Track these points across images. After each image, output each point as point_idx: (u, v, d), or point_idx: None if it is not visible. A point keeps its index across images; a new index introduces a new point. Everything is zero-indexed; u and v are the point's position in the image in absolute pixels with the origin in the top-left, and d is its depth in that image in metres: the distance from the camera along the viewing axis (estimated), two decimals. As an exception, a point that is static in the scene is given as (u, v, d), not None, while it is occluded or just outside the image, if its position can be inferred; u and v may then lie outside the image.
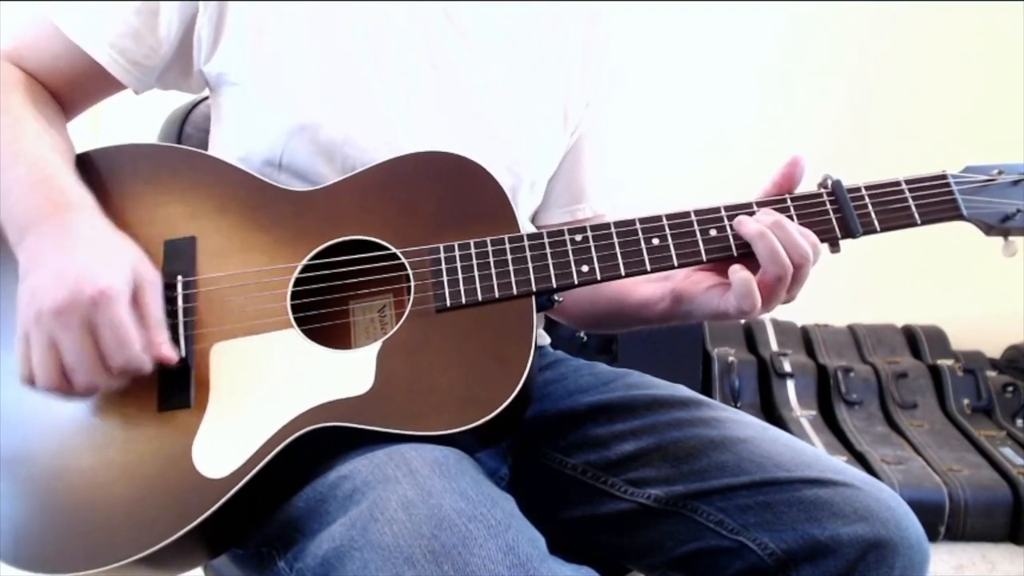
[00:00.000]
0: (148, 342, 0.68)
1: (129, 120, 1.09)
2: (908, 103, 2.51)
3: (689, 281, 0.83)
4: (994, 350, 2.45)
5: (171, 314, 0.73)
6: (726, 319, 0.81)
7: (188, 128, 1.08)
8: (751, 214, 0.78)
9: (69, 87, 0.83)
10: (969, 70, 2.48)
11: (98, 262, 0.67)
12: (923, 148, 2.02)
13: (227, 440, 0.70)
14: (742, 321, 2.48)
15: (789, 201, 0.79)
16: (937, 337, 2.45)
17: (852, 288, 2.23)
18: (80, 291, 0.65)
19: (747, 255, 0.77)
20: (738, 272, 0.75)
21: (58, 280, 0.66)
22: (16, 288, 0.70)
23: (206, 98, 1.07)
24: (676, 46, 2.54)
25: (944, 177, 0.80)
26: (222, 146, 0.88)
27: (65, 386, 0.67)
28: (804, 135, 2.41)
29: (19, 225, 0.71)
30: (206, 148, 0.92)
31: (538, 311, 0.76)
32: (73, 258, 0.67)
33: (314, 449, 0.70)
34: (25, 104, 0.78)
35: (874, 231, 0.78)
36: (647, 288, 0.89)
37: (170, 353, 0.69)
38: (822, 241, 0.78)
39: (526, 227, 0.97)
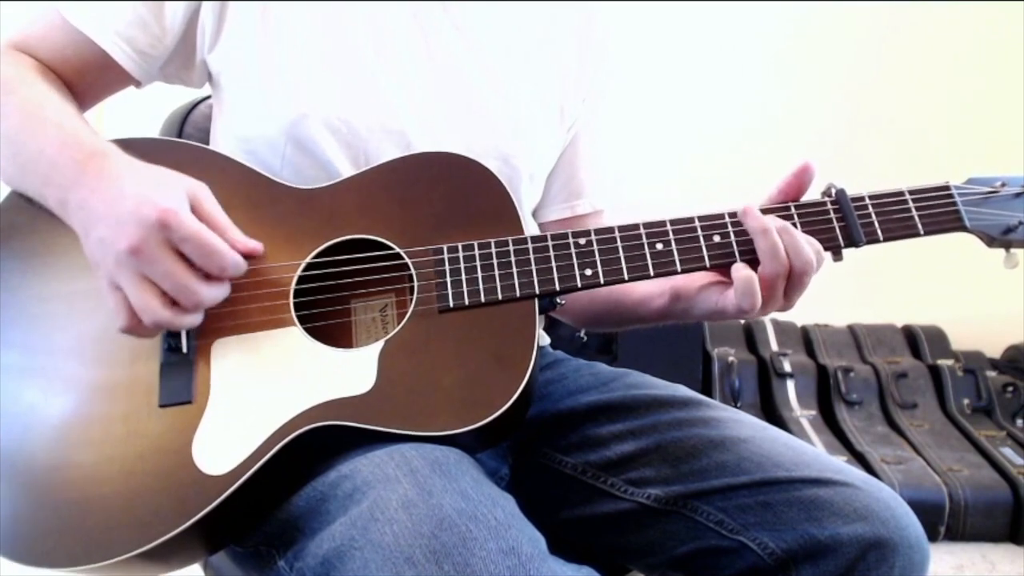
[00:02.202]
0: (228, 242, 0.68)
1: (131, 119, 1.09)
2: (909, 108, 2.51)
3: (687, 279, 0.83)
4: (994, 350, 2.45)
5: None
6: (724, 319, 0.81)
7: (188, 128, 1.08)
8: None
9: (77, 78, 0.83)
10: (970, 74, 2.48)
11: (148, 189, 0.67)
12: (924, 154, 2.03)
13: (227, 437, 0.70)
14: (742, 321, 2.48)
15: (793, 209, 0.79)
16: (937, 337, 2.45)
17: (852, 288, 2.23)
18: (146, 220, 0.65)
19: (750, 261, 0.77)
20: (741, 271, 0.75)
21: (119, 221, 0.66)
22: (13, 279, 0.70)
23: (206, 98, 1.07)
24: (676, 46, 2.54)
25: (947, 188, 0.80)
26: (225, 135, 0.88)
27: (175, 316, 0.67)
28: (804, 138, 2.41)
29: (59, 185, 0.71)
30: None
31: (540, 313, 0.76)
32: (122, 197, 0.67)
33: (314, 448, 0.70)
34: (42, 80, 0.79)
35: (877, 240, 0.78)
36: (646, 285, 0.89)
37: (255, 245, 0.72)
38: (825, 249, 0.78)
39: (530, 223, 0.98)
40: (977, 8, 2.41)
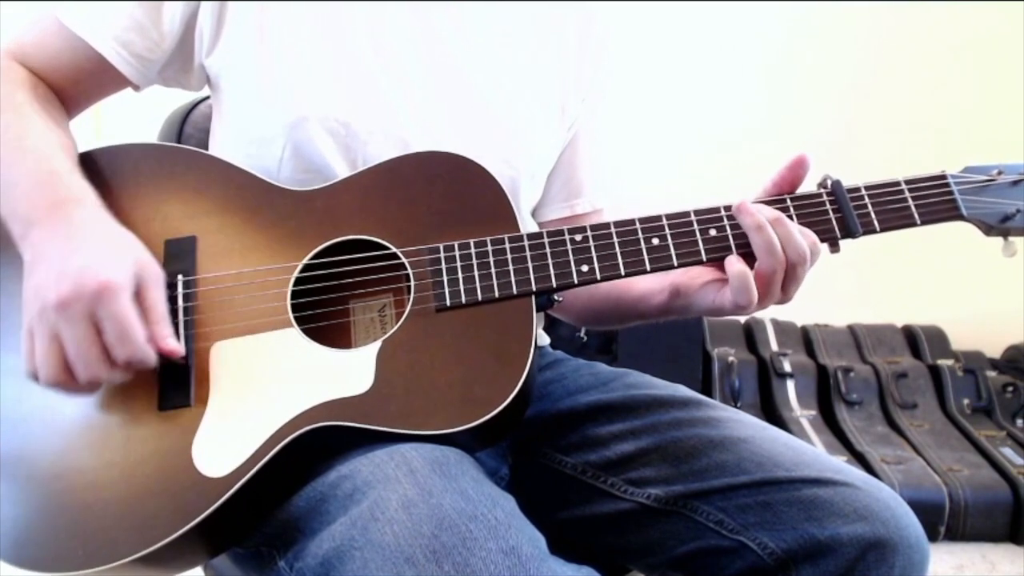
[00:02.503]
0: (152, 335, 0.68)
1: (130, 120, 1.09)
2: (907, 102, 2.51)
3: (687, 276, 0.83)
4: (994, 350, 2.45)
5: (171, 313, 0.72)
6: (723, 315, 0.81)
7: (188, 128, 1.08)
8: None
9: (73, 83, 0.83)
10: (968, 70, 2.48)
11: (101, 256, 0.68)
12: (922, 148, 2.02)
13: (227, 439, 0.70)
14: (742, 321, 2.48)
15: (789, 201, 0.79)
16: (937, 337, 2.45)
17: (852, 288, 2.23)
18: (83, 285, 0.65)
19: (746, 255, 0.77)
20: (735, 264, 0.75)
21: (62, 275, 0.66)
22: (15, 286, 0.70)
23: (206, 98, 1.07)
24: (674, 45, 2.54)
25: (944, 177, 0.80)
26: (224, 139, 0.88)
27: (68, 381, 0.67)
28: (802, 134, 2.41)
29: (24, 219, 0.71)
30: (206, 148, 0.92)
31: (538, 311, 0.76)
32: (77, 253, 0.67)
33: (314, 448, 0.70)
34: (30, 101, 0.79)
35: (874, 231, 0.78)
36: (645, 282, 0.89)
37: (175, 346, 0.69)
38: (822, 241, 0.78)
39: (528, 222, 0.98)
40: (974, 4, 2.41)
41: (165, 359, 0.70)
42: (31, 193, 0.72)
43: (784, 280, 0.76)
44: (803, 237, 0.75)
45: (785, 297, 0.78)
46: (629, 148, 2.29)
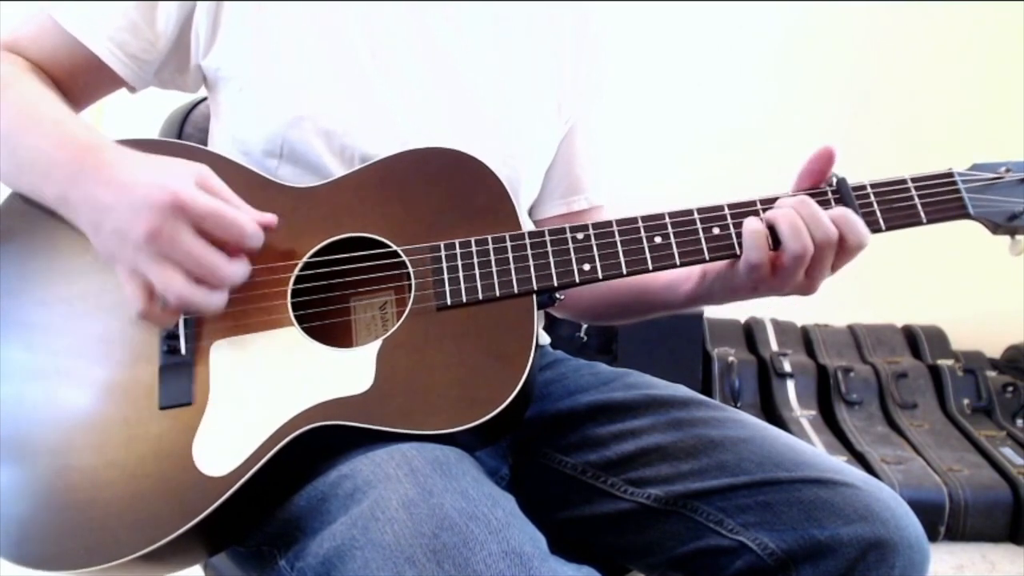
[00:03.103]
0: (239, 217, 0.68)
1: (130, 119, 1.09)
2: (911, 100, 2.51)
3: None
4: (994, 350, 2.45)
5: (172, 313, 0.73)
6: (743, 292, 0.80)
7: (188, 128, 1.08)
8: (755, 212, 0.77)
9: (69, 80, 0.83)
10: (971, 68, 2.48)
11: (153, 175, 0.67)
12: (926, 146, 2.02)
13: (227, 438, 0.70)
14: (742, 321, 2.48)
15: None
16: (937, 337, 2.45)
17: (852, 288, 2.23)
18: (159, 204, 0.64)
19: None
20: (751, 222, 0.75)
21: (133, 209, 0.65)
22: (15, 284, 0.70)
23: (206, 98, 1.07)
24: (674, 44, 2.54)
25: (950, 175, 0.79)
26: (222, 139, 0.88)
27: (203, 293, 0.67)
28: (805, 131, 2.41)
29: (58, 182, 0.70)
30: (206, 146, 0.92)
31: (539, 309, 0.76)
32: (131, 184, 0.66)
33: (314, 447, 0.70)
34: (34, 80, 0.79)
35: (879, 230, 0.77)
36: (672, 271, 0.88)
37: (269, 217, 0.71)
38: None
39: (527, 221, 0.97)
40: (977, 4, 2.41)
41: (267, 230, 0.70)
42: (55, 155, 0.71)
43: (811, 265, 0.75)
44: (829, 220, 0.74)
45: (810, 284, 0.76)
46: (630, 147, 2.29)
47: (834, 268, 0.76)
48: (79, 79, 0.83)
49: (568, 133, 0.99)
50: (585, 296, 0.99)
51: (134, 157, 0.70)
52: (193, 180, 0.67)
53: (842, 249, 0.75)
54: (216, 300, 0.68)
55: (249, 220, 0.68)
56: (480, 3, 0.90)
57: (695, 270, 0.86)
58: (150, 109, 1.08)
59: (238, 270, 0.68)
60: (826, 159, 0.78)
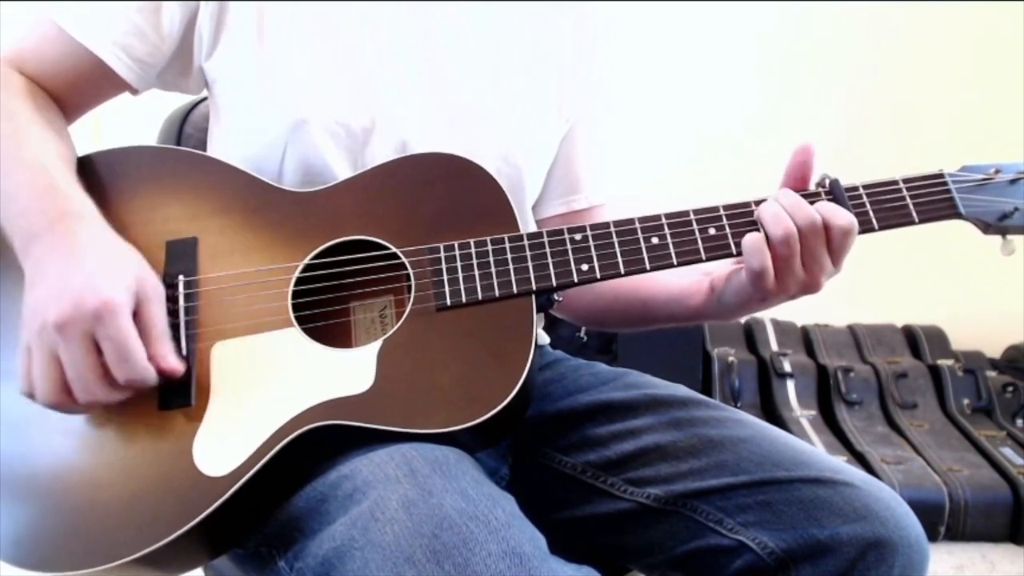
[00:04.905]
0: (152, 354, 0.68)
1: (129, 121, 1.09)
2: (911, 102, 2.51)
3: (717, 269, 0.83)
4: (994, 350, 2.45)
5: (172, 313, 0.73)
6: (751, 304, 0.80)
7: (188, 128, 1.08)
8: (749, 214, 0.78)
9: (72, 89, 0.83)
10: (971, 69, 2.48)
11: (101, 273, 0.67)
12: (926, 147, 2.03)
13: (228, 439, 0.70)
14: (742, 320, 2.48)
15: None
16: (937, 337, 2.45)
17: (852, 288, 2.23)
18: (83, 304, 0.65)
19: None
20: (749, 235, 0.75)
21: (61, 293, 0.66)
22: (17, 292, 0.70)
23: (205, 99, 1.07)
24: (675, 45, 2.55)
25: (941, 176, 0.80)
26: (223, 143, 0.88)
27: (66, 401, 0.67)
28: (801, 134, 2.40)
29: (24, 233, 0.71)
30: (205, 148, 0.92)
31: (538, 310, 0.76)
32: (76, 270, 0.67)
33: (314, 448, 0.70)
34: (28, 109, 0.78)
35: (872, 230, 0.78)
36: (680, 284, 0.89)
37: (175, 364, 0.69)
38: None
39: (529, 220, 0.98)
40: (974, 5, 2.42)
41: (165, 377, 0.69)
42: (30, 207, 0.71)
43: (804, 254, 0.75)
44: (811, 207, 0.75)
45: (811, 280, 0.76)
46: (629, 147, 2.29)
47: (834, 260, 0.76)
48: (82, 87, 0.83)
49: (568, 132, 0.99)
50: (585, 299, 0.99)
51: (100, 242, 0.70)
52: (132, 296, 0.67)
53: (831, 236, 0.75)
54: (75, 412, 0.68)
55: (144, 366, 0.67)
56: (480, 3, 0.91)
57: (703, 284, 0.86)
58: (148, 111, 1.08)
59: (109, 398, 0.67)
60: (805, 154, 0.79)
